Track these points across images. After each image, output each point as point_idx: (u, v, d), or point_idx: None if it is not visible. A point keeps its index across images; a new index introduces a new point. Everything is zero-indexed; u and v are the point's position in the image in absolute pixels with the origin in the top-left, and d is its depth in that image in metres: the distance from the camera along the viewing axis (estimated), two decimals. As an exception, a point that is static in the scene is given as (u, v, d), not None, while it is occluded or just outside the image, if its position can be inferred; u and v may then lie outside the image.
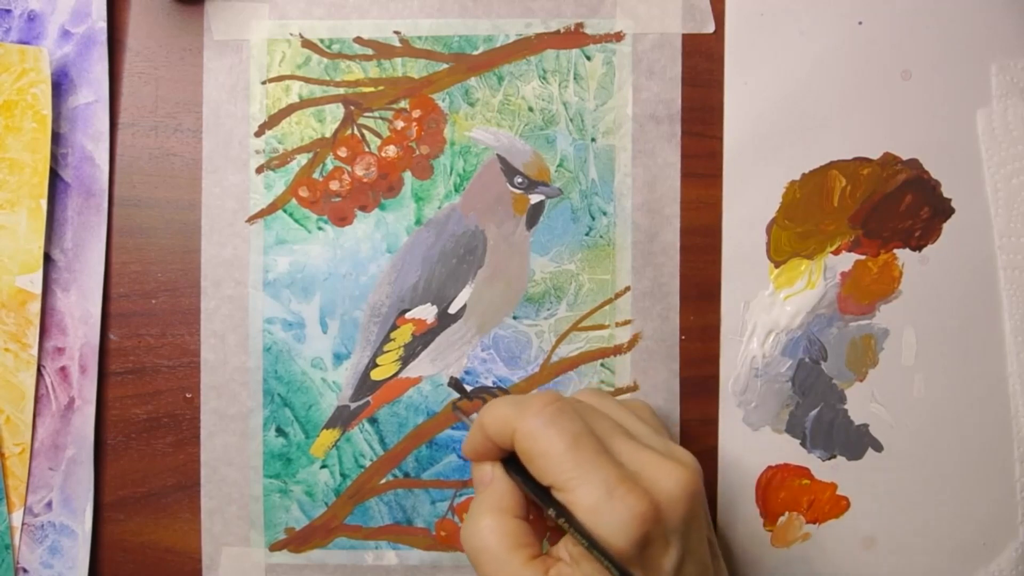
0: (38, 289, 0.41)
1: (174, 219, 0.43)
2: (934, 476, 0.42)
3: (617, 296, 0.42)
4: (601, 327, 0.42)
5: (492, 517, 0.31)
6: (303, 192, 0.42)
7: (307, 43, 0.42)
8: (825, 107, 0.42)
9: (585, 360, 0.42)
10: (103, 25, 0.42)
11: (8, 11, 0.42)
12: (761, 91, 0.42)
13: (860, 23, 0.42)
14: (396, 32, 0.42)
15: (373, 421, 0.42)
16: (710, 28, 0.42)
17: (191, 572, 0.43)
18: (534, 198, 0.42)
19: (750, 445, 0.42)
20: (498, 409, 0.32)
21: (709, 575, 0.31)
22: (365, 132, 0.42)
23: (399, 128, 0.42)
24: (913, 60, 0.42)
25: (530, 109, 0.42)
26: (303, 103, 0.42)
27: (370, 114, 0.42)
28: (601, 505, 0.28)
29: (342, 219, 0.42)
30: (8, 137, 0.41)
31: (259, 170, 0.42)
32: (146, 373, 0.43)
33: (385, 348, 0.42)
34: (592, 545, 0.28)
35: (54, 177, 0.42)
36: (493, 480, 0.33)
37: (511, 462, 0.32)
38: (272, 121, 0.42)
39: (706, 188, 0.42)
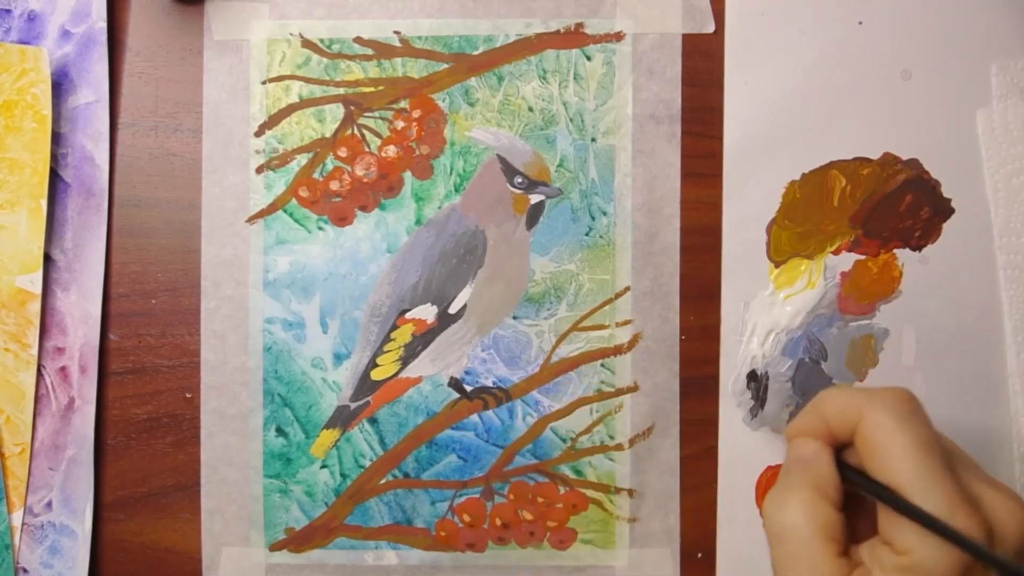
0: (38, 289, 0.41)
1: (174, 219, 0.43)
2: (934, 476, 0.42)
3: (617, 296, 0.42)
4: (601, 327, 0.42)
5: (809, 495, 0.29)
6: (303, 192, 0.42)
7: (307, 43, 0.42)
8: (825, 107, 0.42)
9: (585, 360, 0.42)
10: (103, 25, 0.42)
11: (8, 11, 0.42)
12: (761, 91, 0.42)
13: (860, 23, 0.42)
14: (396, 32, 0.42)
15: (373, 421, 0.42)
16: (710, 28, 0.42)
17: (191, 572, 0.43)
18: (534, 198, 0.42)
19: (750, 445, 0.42)
20: (845, 394, 0.30)
21: None
22: (365, 132, 0.42)
23: (399, 128, 0.42)
24: (913, 60, 0.42)
25: (530, 109, 0.42)
26: (303, 103, 0.42)
27: (370, 114, 0.42)
28: (941, 517, 0.27)
29: (342, 219, 0.42)
30: (8, 137, 0.41)
31: (259, 170, 0.42)
32: (146, 373, 0.43)
33: (385, 348, 0.42)
34: (952, 535, 0.26)
35: (54, 177, 0.42)
36: (817, 461, 0.30)
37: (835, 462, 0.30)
38: (272, 121, 0.42)
39: (706, 188, 0.42)
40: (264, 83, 0.42)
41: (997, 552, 0.27)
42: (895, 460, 0.28)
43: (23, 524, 0.41)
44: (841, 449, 0.31)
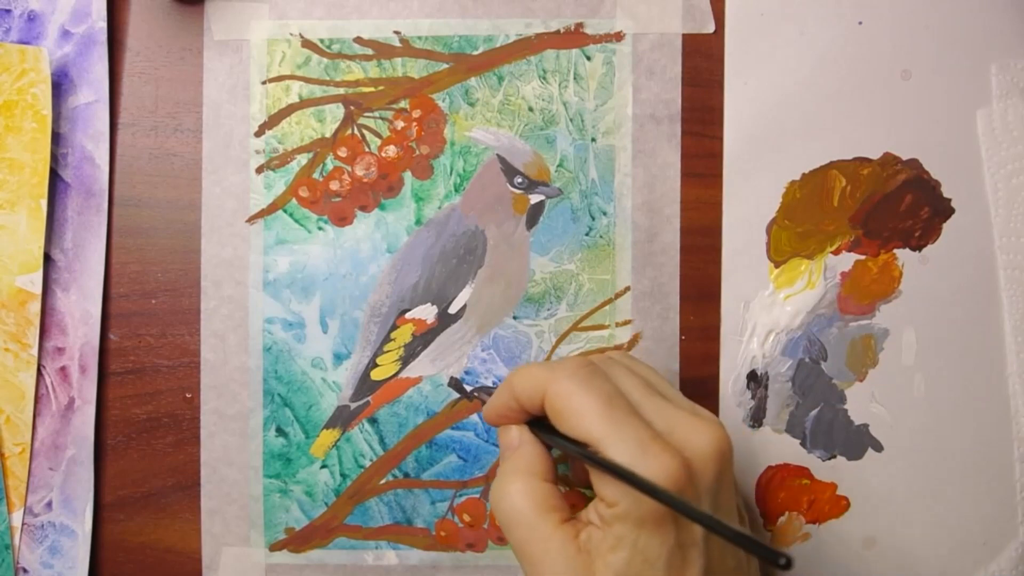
0: (38, 289, 0.41)
1: (174, 219, 0.43)
2: (934, 476, 0.42)
3: (617, 296, 0.42)
4: (601, 327, 0.42)
5: (522, 480, 0.31)
6: (303, 192, 0.42)
7: (307, 43, 0.42)
8: (825, 107, 0.42)
9: (585, 360, 0.42)
10: (103, 25, 0.42)
11: (8, 11, 0.42)
12: (761, 91, 0.42)
13: (860, 23, 0.42)
14: (396, 32, 0.42)
15: (373, 421, 0.42)
16: (710, 28, 0.42)
17: (191, 572, 0.43)
18: (534, 198, 0.42)
19: (750, 445, 0.42)
20: (529, 371, 0.32)
21: None
22: (365, 132, 0.42)
23: (399, 128, 0.42)
24: (913, 60, 0.42)
25: (530, 109, 0.42)
26: (303, 103, 0.42)
27: (370, 114, 0.42)
28: (635, 462, 0.28)
29: (342, 219, 0.42)
30: (8, 137, 0.41)
31: (259, 170, 0.42)
32: (146, 373, 0.43)
33: (385, 348, 0.42)
34: (638, 483, 0.28)
35: (54, 177, 0.42)
36: (520, 444, 0.33)
37: (536, 426, 0.33)
38: (272, 121, 0.42)
39: (706, 188, 0.42)
40: (264, 83, 0.42)
41: (698, 480, 0.29)
42: (583, 420, 0.30)
43: (23, 524, 0.41)
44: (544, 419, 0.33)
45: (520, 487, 0.31)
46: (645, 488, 0.28)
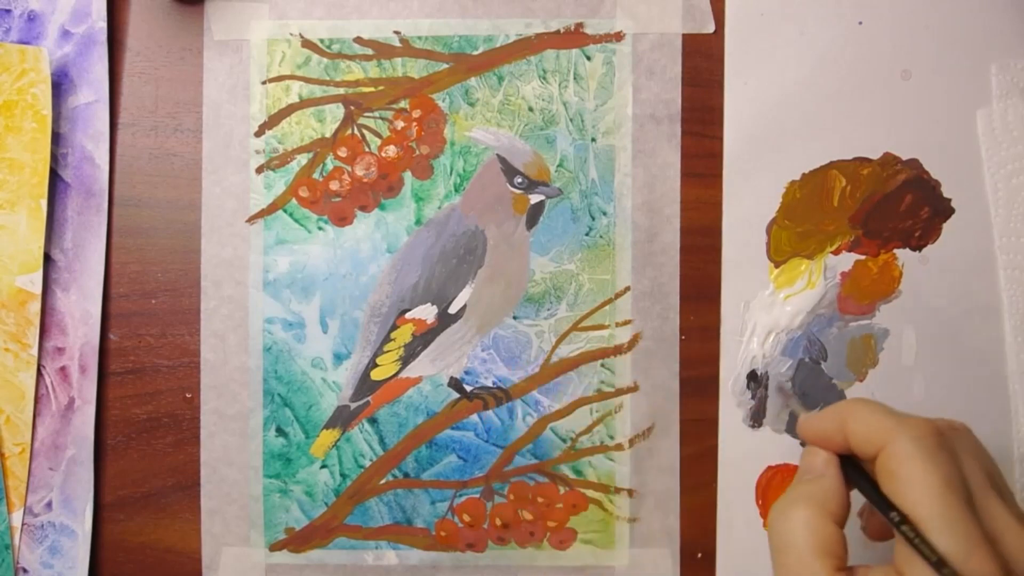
0: (38, 289, 0.41)
1: (174, 219, 0.43)
2: (934, 476, 0.42)
3: (617, 296, 0.42)
4: (601, 327, 0.42)
5: (811, 511, 0.29)
6: (303, 192, 0.42)
7: (307, 43, 0.42)
8: (825, 107, 0.42)
9: (585, 360, 0.42)
10: (103, 25, 0.42)
11: (8, 11, 0.42)
12: (761, 91, 0.42)
13: (860, 23, 0.42)
14: (396, 32, 0.42)
15: (373, 421, 0.42)
16: (710, 28, 0.42)
17: (191, 572, 0.43)
18: (534, 198, 0.42)
19: (750, 445, 0.42)
20: (873, 414, 0.30)
21: None
22: (365, 132, 0.42)
23: (399, 128, 0.42)
24: (913, 60, 0.42)
25: (530, 109, 0.42)
26: (303, 103, 0.42)
27: (370, 114, 0.42)
28: (955, 559, 0.26)
29: (342, 219, 0.42)
30: (8, 137, 0.41)
31: (259, 170, 0.42)
32: (146, 373, 0.43)
33: (385, 348, 0.42)
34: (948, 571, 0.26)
35: (54, 177, 0.42)
36: (825, 476, 0.30)
37: (848, 465, 0.30)
38: (272, 121, 0.42)
39: (706, 188, 0.42)
40: (264, 83, 0.42)
41: None
42: (916, 495, 0.28)
43: (23, 524, 0.41)
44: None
45: (806, 517, 0.29)
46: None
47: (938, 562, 0.26)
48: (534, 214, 0.42)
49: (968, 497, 0.28)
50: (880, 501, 0.29)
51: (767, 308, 0.42)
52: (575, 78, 0.42)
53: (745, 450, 0.42)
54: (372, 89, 0.42)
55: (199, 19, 0.43)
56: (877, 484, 0.29)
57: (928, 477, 0.28)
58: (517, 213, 0.42)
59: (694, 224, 0.42)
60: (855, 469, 0.30)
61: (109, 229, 0.42)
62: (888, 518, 0.28)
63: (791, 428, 0.42)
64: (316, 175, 0.42)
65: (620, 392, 0.42)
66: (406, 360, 0.42)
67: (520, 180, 0.42)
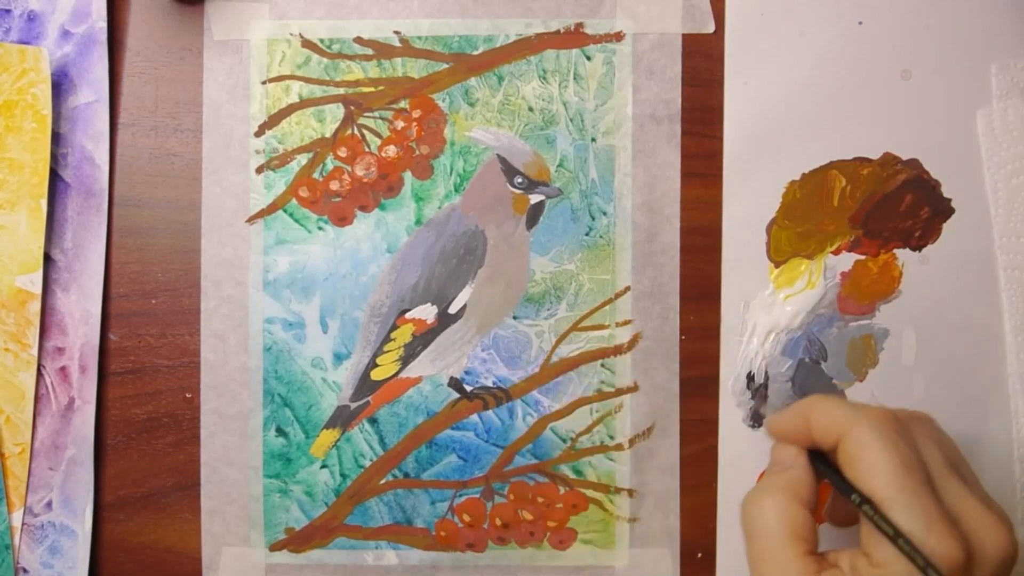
0: (38, 289, 0.41)
1: (174, 219, 0.43)
2: (934, 476, 0.42)
3: (617, 296, 0.42)
4: (601, 327, 0.42)
5: (782, 497, 0.31)
6: (303, 192, 0.42)
7: (307, 43, 0.42)
8: (825, 107, 0.42)
9: (585, 360, 0.42)
10: (103, 25, 0.42)
11: (8, 11, 0.42)
12: (761, 91, 0.42)
13: (860, 23, 0.42)
14: (396, 32, 0.42)
15: (373, 421, 0.42)
16: (710, 28, 0.42)
17: (191, 572, 0.43)
18: (534, 198, 0.42)
19: (750, 445, 0.42)
20: (831, 407, 0.31)
21: None
22: (365, 132, 0.42)
23: (399, 128, 0.42)
24: (913, 60, 0.42)
25: (530, 109, 0.42)
26: (303, 103, 0.42)
27: (370, 114, 0.42)
28: (916, 534, 0.27)
29: (342, 219, 0.42)
30: (8, 137, 0.41)
31: (259, 170, 0.42)
32: (146, 373, 0.43)
33: (385, 348, 0.42)
34: (918, 557, 0.27)
35: (54, 177, 0.42)
36: (794, 466, 0.32)
37: (816, 458, 0.32)
38: (272, 121, 0.42)
39: (706, 188, 0.42)
40: (264, 83, 0.42)
41: (973, 572, 0.28)
42: (875, 476, 0.29)
43: (23, 524, 0.41)
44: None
45: (777, 504, 0.30)
46: (923, 563, 0.27)
47: (895, 535, 0.27)
48: (534, 214, 0.42)
49: (927, 479, 0.29)
50: (844, 486, 0.30)
51: (767, 308, 0.42)
52: (575, 78, 0.42)
53: (745, 450, 0.42)
54: (372, 89, 0.42)
55: (199, 19, 0.43)
56: (841, 472, 0.30)
57: (885, 460, 0.29)
58: (517, 213, 0.42)
59: (694, 224, 0.42)
60: (821, 460, 0.32)
61: (109, 229, 0.42)
62: (851, 500, 0.29)
63: (791, 428, 0.42)
64: (316, 175, 0.42)
65: (620, 392, 0.42)
66: (406, 360, 0.42)
67: (520, 180, 0.42)
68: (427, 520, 0.42)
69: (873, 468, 0.29)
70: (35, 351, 0.41)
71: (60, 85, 0.42)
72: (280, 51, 0.42)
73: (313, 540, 0.42)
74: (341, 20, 0.42)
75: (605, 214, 0.42)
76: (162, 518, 0.43)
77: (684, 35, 0.42)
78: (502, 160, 0.42)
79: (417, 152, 0.42)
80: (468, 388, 0.42)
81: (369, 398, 0.42)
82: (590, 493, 0.42)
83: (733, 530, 0.42)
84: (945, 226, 0.42)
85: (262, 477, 0.42)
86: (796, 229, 0.42)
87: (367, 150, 0.42)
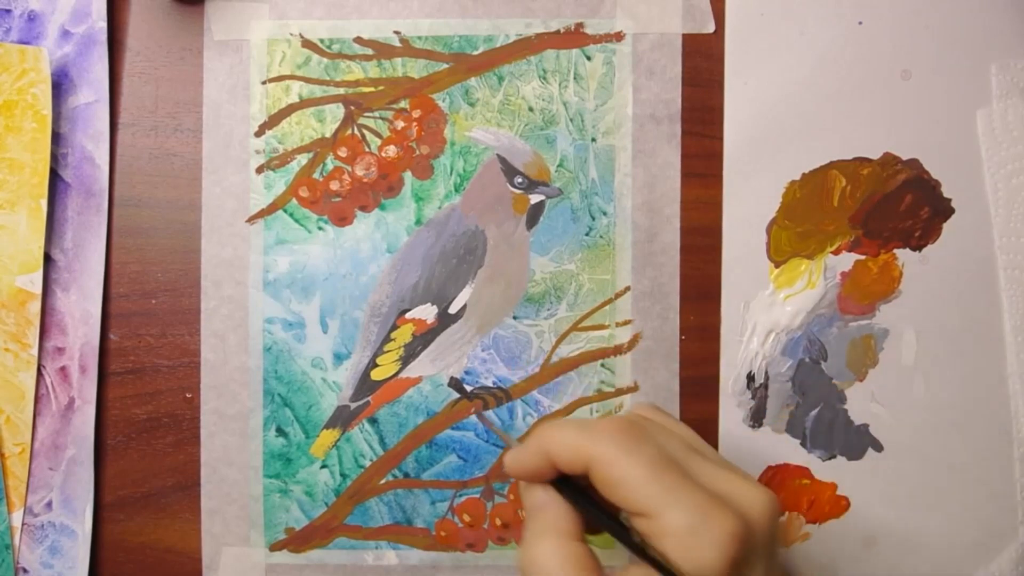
0: (38, 289, 0.41)
1: (174, 219, 0.43)
2: (934, 476, 0.42)
3: (617, 296, 0.42)
4: (601, 327, 0.42)
5: (552, 541, 0.30)
6: (303, 192, 0.42)
7: (307, 43, 0.42)
8: (825, 107, 0.42)
9: (585, 360, 0.42)
10: (103, 25, 0.42)
11: (8, 11, 0.42)
12: (761, 91, 0.42)
13: (860, 23, 0.42)
14: (396, 32, 0.42)
15: (373, 421, 0.42)
16: (710, 28, 0.42)
17: (191, 572, 0.43)
18: (534, 198, 0.42)
19: (750, 445, 0.42)
20: (566, 435, 0.30)
21: None
22: (365, 132, 0.42)
23: (399, 128, 0.42)
24: (913, 60, 0.42)
25: (530, 109, 0.42)
26: (303, 103, 0.42)
27: (370, 114, 0.42)
28: (697, 527, 0.27)
29: (342, 219, 0.42)
30: (8, 137, 0.41)
31: (259, 170, 0.42)
32: (146, 373, 0.43)
33: (385, 348, 0.42)
34: (666, 570, 0.28)
35: (54, 177, 0.42)
36: (548, 503, 0.31)
37: (564, 484, 0.31)
38: (272, 121, 0.42)
39: (706, 188, 0.42)
40: (264, 83, 0.42)
41: (756, 542, 0.28)
42: (631, 488, 0.29)
43: (23, 524, 0.41)
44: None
45: (550, 547, 0.30)
46: (660, 568, 0.27)
47: (654, 560, 0.28)
48: (534, 214, 0.42)
49: (683, 471, 0.29)
50: (600, 514, 0.30)
51: (767, 308, 0.42)
52: (575, 78, 0.42)
53: (745, 450, 0.42)
54: (372, 89, 0.42)
55: (199, 19, 0.43)
56: (591, 495, 0.30)
57: (635, 469, 0.29)
58: (517, 213, 0.42)
59: (694, 224, 0.42)
60: (571, 489, 0.31)
61: (109, 229, 0.42)
62: (606, 526, 0.30)
63: (791, 428, 0.42)
64: (316, 175, 0.42)
65: (620, 392, 0.42)
66: (406, 360, 0.42)
67: (520, 180, 0.42)
68: (427, 520, 0.42)
69: (628, 481, 0.29)
70: (35, 351, 0.41)
71: (60, 85, 0.42)
72: (280, 51, 0.42)
73: (313, 540, 0.42)
74: (341, 20, 0.42)
75: (605, 214, 0.42)
76: (162, 518, 0.43)
77: (684, 35, 0.42)
78: (502, 160, 0.42)
79: (417, 152, 0.42)
80: (468, 388, 0.42)
81: (369, 398, 0.42)
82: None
83: (733, 530, 0.42)
84: (945, 226, 0.42)
85: (262, 477, 0.42)
86: (796, 229, 0.42)
87: (367, 150, 0.42)
